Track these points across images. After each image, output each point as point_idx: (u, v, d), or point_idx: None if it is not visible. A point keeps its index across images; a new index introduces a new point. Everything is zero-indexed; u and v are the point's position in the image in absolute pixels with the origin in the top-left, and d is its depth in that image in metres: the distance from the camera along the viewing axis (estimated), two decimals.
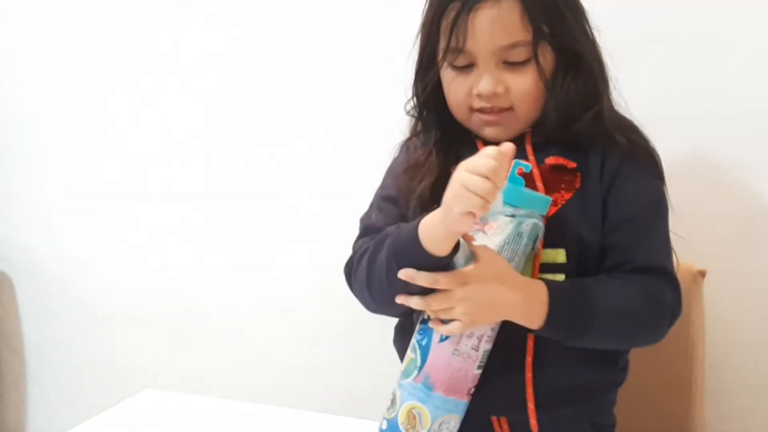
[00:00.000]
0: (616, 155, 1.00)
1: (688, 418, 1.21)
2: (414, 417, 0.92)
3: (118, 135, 1.76)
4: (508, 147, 0.85)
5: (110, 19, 1.71)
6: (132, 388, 1.29)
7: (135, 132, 1.75)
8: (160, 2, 1.67)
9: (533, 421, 0.96)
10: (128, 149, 1.76)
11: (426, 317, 0.94)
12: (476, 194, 0.81)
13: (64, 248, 1.87)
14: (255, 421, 1.17)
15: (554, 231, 0.95)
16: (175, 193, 1.73)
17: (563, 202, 0.98)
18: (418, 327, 0.95)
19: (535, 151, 1.00)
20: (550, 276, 0.96)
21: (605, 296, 0.94)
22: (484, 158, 0.82)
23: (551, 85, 0.99)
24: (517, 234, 0.92)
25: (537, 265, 0.96)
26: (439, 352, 0.92)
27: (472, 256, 0.90)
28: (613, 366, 1.02)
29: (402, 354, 1.01)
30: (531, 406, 0.96)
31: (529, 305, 0.92)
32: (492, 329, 0.94)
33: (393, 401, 0.94)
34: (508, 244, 0.92)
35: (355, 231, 1.08)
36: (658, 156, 1.04)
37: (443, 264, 0.89)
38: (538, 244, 0.95)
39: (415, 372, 0.92)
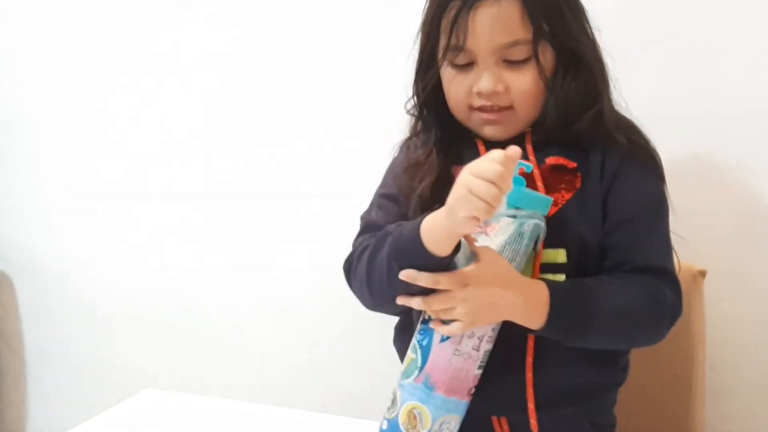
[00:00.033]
0: (617, 155, 1.00)
1: (688, 418, 1.21)
2: (415, 417, 0.92)
3: (118, 135, 1.76)
4: (515, 151, 0.84)
5: (110, 19, 1.71)
6: (132, 388, 1.29)
7: (135, 132, 1.75)
8: (160, 2, 1.66)
9: (533, 422, 0.96)
10: (128, 149, 1.76)
11: (426, 317, 0.94)
12: (481, 199, 0.81)
13: (64, 248, 1.86)
14: (255, 421, 1.17)
15: (555, 231, 0.95)
16: (175, 193, 1.73)
17: (563, 202, 0.98)
18: (418, 327, 0.95)
19: (536, 150, 1.00)
20: (550, 276, 0.96)
21: (605, 296, 0.94)
22: (491, 163, 0.82)
23: (551, 84, 0.99)
24: (519, 234, 0.92)
25: (537, 265, 0.96)
26: (440, 352, 0.92)
27: (474, 257, 0.90)
28: (614, 366, 1.02)
29: (402, 354, 1.01)
30: (531, 406, 0.96)
31: (530, 306, 0.92)
32: (493, 329, 0.94)
33: (393, 401, 0.94)
34: (509, 244, 0.92)
35: (355, 231, 1.08)
36: (659, 156, 1.04)
37: (444, 264, 0.89)
38: (539, 244, 0.94)
39: (416, 372, 0.92)
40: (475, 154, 1.02)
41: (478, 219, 0.82)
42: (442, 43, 0.99)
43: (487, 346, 0.93)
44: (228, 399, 1.27)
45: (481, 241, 0.92)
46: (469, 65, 1.00)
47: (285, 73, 1.59)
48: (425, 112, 1.07)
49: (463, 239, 0.89)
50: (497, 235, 0.93)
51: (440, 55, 1.00)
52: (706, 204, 1.30)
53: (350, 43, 1.52)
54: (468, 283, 0.89)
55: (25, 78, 1.83)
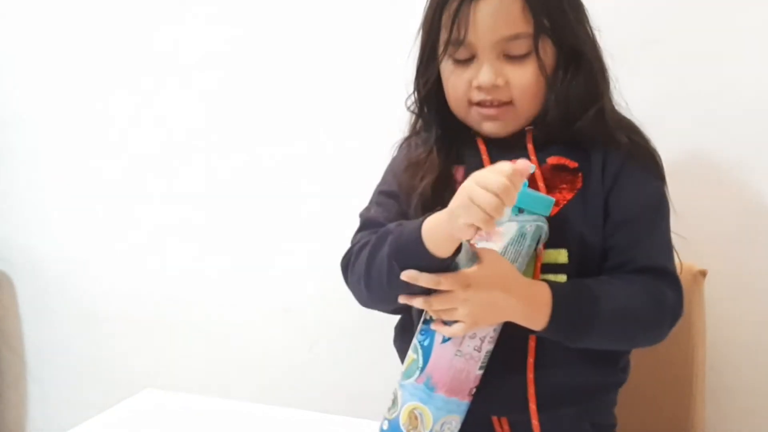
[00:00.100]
0: (618, 155, 0.99)
1: (688, 418, 1.21)
2: (416, 418, 0.92)
3: (118, 135, 1.76)
4: (525, 166, 0.84)
5: (110, 19, 1.71)
6: (132, 388, 1.29)
7: (135, 132, 1.75)
8: (160, 2, 1.66)
9: (535, 422, 0.96)
10: (128, 149, 1.76)
11: (428, 318, 0.94)
12: (482, 209, 0.81)
13: (64, 248, 1.86)
14: (255, 421, 1.17)
15: (556, 231, 0.94)
16: (175, 193, 1.73)
17: (564, 203, 0.98)
18: (419, 327, 0.95)
19: (537, 150, 1.00)
20: (551, 276, 0.96)
21: (607, 297, 0.94)
22: (497, 175, 0.82)
23: (551, 80, 0.99)
24: (521, 235, 0.92)
25: (539, 265, 0.96)
26: (441, 353, 0.92)
27: (476, 258, 0.90)
28: (614, 366, 1.02)
29: (402, 354, 1.00)
30: (533, 407, 0.96)
31: (532, 307, 0.92)
32: (494, 330, 0.94)
33: (394, 401, 0.94)
34: (511, 245, 0.92)
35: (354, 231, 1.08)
36: (659, 156, 1.04)
37: (445, 265, 0.89)
38: (541, 244, 0.94)
39: (417, 373, 0.92)
40: (476, 154, 1.02)
41: (477, 228, 0.82)
42: (443, 37, 0.99)
43: (488, 346, 0.93)
44: (228, 399, 1.27)
45: (483, 243, 0.92)
46: (469, 60, 0.99)
47: (285, 73, 1.59)
48: (425, 110, 1.07)
49: (464, 241, 0.89)
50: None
51: (441, 49, 1.00)
52: (707, 204, 1.30)
53: (350, 43, 1.52)
54: (470, 285, 0.88)
55: (25, 78, 1.83)
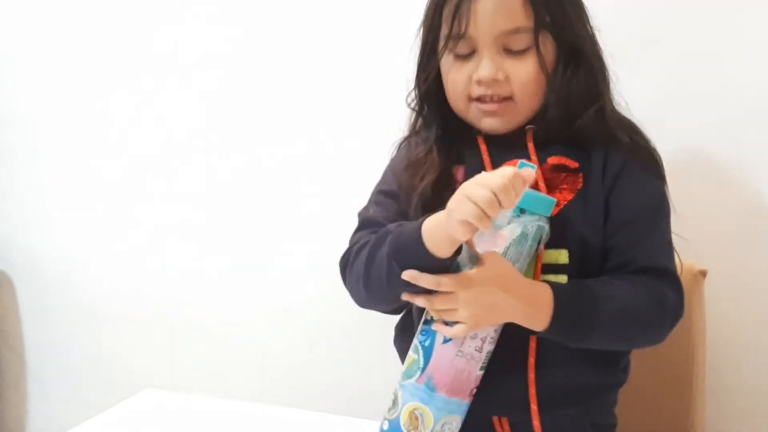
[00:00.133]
0: (619, 155, 0.99)
1: (688, 418, 1.21)
2: (416, 418, 0.92)
3: (118, 135, 1.76)
4: (529, 173, 0.84)
5: (110, 19, 1.71)
6: (132, 388, 1.29)
7: (135, 132, 1.75)
8: (160, 2, 1.66)
9: (536, 423, 0.96)
10: (128, 149, 1.76)
11: (428, 318, 0.94)
12: (476, 204, 0.81)
13: (64, 248, 1.86)
14: (255, 421, 1.16)
15: (556, 232, 0.94)
16: (175, 193, 1.73)
17: (565, 203, 0.98)
18: (420, 328, 0.95)
19: (537, 150, 1.00)
20: (552, 277, 0.96)
21: (608, 298, 0.94)
22: (498, 176, 0.82)
23: (552, 77, 0.99)
24: (523, 235, 0.91)
25: (539, 266, 0.96)
26: (442, 353, 0.92)
27: (477, 259, 0.90)
28: (615, 367, 1.02)
29: (403, 354, 1.00)
30: (534, 407, 0.96)
31: (533, 308, 0.92)
32: (495, 331, 0.94)
33: (394, 402, 0.94)
34: (513, 245, 0.91)
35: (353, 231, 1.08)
36: (659, 156, 1.04)
37: (445, 265, 0.89)
38: (542, 245, 0.94)
39: (418, 373, 0.92)
40: (477, 154, 1.02)
41: (471, 225, 0.82)
42: (444, 31, 0.99)
43: (489, 347, 0.93)
44: (228, 399, 1.26)
45: (486, 247, 0.91)
46: (469, 55, 0.99)
47: (285, 73, 1.58)
48: (426, 108, 1.07)
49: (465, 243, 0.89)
50: None
51: (441, 44, 1.00)
52: (707, 204, 1.30)
53: (350, 43, 1.52)
54: (471, 286, 0.88)
55: (25, 78, 1.83)
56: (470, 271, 0.89)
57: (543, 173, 0.98)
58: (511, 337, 0.94)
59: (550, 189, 0.98)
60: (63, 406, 1.92)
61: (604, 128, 1.00)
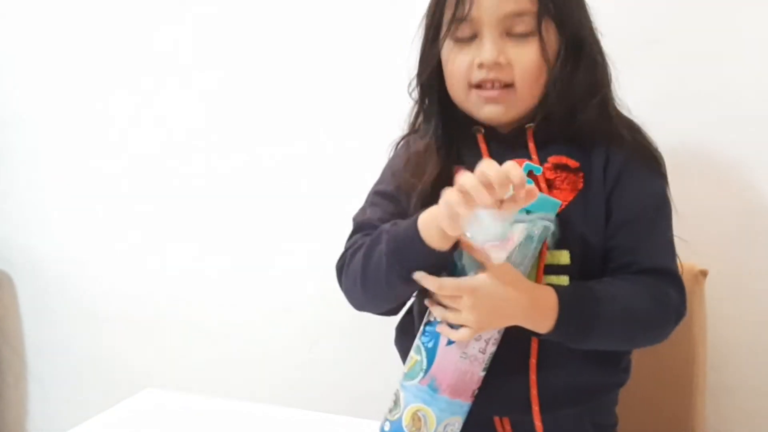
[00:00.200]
0: (620, 154, 0.99)
1: (688, 418, 1.21)
2: (419, 419, 0.92)
3: (118, 135, 1.76)
4: (520, 178, 0.82)
5: (110, 19, 1.71)
6: (132, 388, 1.29)
7: (135, 132, 1.75)
8: (160, 2, 1.66)
9: (538, 423, 0.96)
10: (128, 149, 1.76)
11: (431, 319, 0.93)
12: (459, 186, 0.81)
13: (64, 248, 1.86)
14: (255, 421, 1.16)
15: (557, 232, 0.94)
16: (175, 193, 1.73)
17: (566, 203, 0.97)
18: (422, 329, 0.95)
19: (538, 149, 1.00)
20: (554, 278, 0.96)
21: (610, 299, 0.94)
22: (493, 168, 0.81)
23: (553, 69, 0.98)
24: (528, 237, 0.91)
25: (542, 266, 0.95)
26: (446, 355, 0.92)
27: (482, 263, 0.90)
28: (616, 367, 1.02)
29: (404, 354, 1.00)
30: (536, 408, 0.96)
31: (538, 311, 0.92)
32: (498, 332, 0.94)
33: (396, 402, 0.94)
34: (518, 247, 0.91)
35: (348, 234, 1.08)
36: (661, 156, 1.03)
37: (443, 259, 0.89)
38: (543, 246, 0.94)
39: (421, 374, 0.92)
40: (477, 153, 1.02)
41: (453, 210, 0.82)
42: (447, 15, 0.98)
43: (492, 348, 0.93)
44: (228, 399, 1.26)
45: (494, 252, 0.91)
46: (471, 39, 0.98)
47: (285, 73, 1.58)
48: (426, 101, 1.06)
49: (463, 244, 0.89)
50: None
51: (444, 30, 0.99)
52: (707, 204, 1.30)
53: (350, 43, 1.52)
54: (476, 290, 0.88)
55: (25, 78, 1.83)
56: (476, 276, 0.89)
57: (543, 173, 0.98)
58: (512, 338, 0.94)
59: (551, 189, 0.98)
60: (63, 405, 1.92)
61: (606, 124, 0.99)
